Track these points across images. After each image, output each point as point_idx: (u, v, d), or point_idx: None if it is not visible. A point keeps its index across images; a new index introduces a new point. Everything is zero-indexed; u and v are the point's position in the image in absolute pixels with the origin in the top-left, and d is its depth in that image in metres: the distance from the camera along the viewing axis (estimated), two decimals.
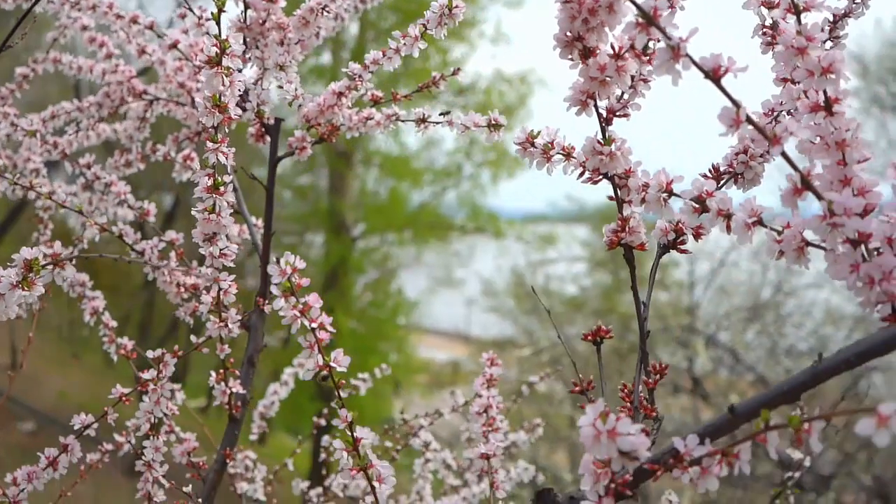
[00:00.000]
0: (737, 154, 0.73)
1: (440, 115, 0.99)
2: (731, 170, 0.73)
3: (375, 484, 0.69)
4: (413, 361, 11.09)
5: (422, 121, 1.01)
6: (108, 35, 1.29)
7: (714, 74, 0.54)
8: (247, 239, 1.19)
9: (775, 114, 0.72)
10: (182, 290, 1.08)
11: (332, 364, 0.67)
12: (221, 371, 1.01)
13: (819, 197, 0.54)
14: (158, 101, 1.26)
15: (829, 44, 0.76)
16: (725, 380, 7.05)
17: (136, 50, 1.19)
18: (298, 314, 0.66)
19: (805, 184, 0.55)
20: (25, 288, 0.70)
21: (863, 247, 0.56)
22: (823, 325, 7.44)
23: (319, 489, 1.43)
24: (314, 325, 0.66)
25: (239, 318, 0.96)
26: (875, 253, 0.56)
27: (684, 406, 7.24)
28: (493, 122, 0.91)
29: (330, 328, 0.67)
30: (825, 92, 0.57)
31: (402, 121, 1.03)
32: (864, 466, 6.25)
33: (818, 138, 0.58)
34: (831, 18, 0.76)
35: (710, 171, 0.73)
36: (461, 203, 11.60)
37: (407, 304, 11.64)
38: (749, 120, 0.54)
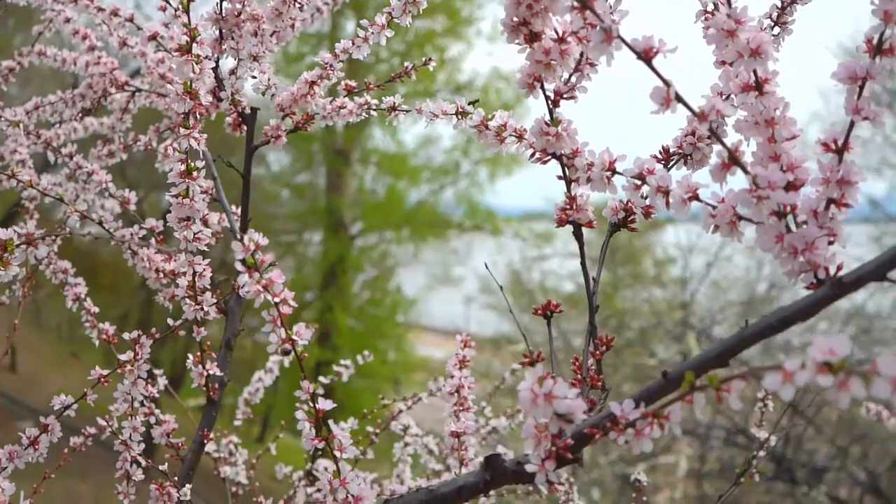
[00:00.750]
0: (685, 136, 0.76)
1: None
2: (679, 151, 0.75)
3: (336, 453, 0.72)
4: (411, 359, 11.11)
5: (392, 109, 1.04)
6: (93, 28, 1.32)
7: (646, 55, 0.56)
8: (226, 226, 1.22)
9: (723, 97, 0.75)
10: (161, 275, 1.11)
11: (295, 337, 0.70)
12: (198, 354, 1.04)
13: (745, 171, 0.57)
14: (141, 93, 1.29)
15: (776, 29, 0.79)
16: (720, 374, 7.09)
17: (118, 42, 1.22)
18: (262, 289, 0.69)
19: (732, 159, 0.58)
20: (0, 267, 0.73)
21: (791, 219, 0.59)
22: (818, 321, 7.48)
23: (301, 472, 1.46)
24: (277, 299, 0.69)
25: (214, 301, 0.98)
26: (803, 225, 0.59)
27: None
28: (460, 109, 0.93)
29: (292, 303, 0.70)
30: (755, 72, 0.60)
31: (374, 109, 1.06)
32: (857, 461, 6.28)
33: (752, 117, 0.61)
34: (779, 4, 0.79)
35: (659, 152, 0.76)
36: (459, 201, 11.64)
37: (405, 302, 11.67)
38: (678, 98, 0.56)
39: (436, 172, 11.83)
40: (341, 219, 11.33)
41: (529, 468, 0.60)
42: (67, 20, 1.29)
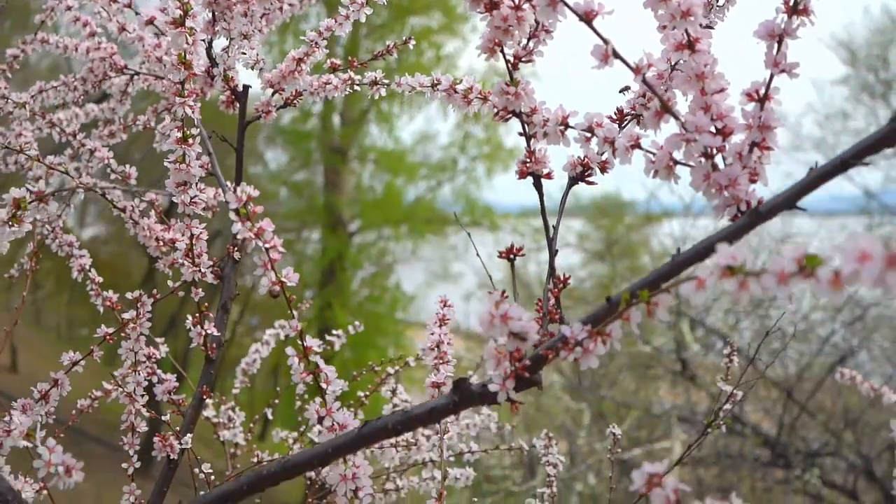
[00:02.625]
0: (637, 97, 0.83)
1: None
2: (632, 111, 0.83)
3: (323, 385, 0.79)
4: (411, 356, 11.15)
5: (374, 83, 1.11)
6: (91, 16, 1.40)
7: (587, 17, 0.64)
8: (222, 200, 1.29)
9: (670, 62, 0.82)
10: (161, 244, 1.18)
11: (284, 279, 0.78)
12: (197, 315, 1.11)
13: (675, 117, 0.65)
14: (139, 76, 1.36)
15: (721, 0, 0.86)
16: (714, 364, 7.17)
17: (117, 28, 1.29)
18: (253, 236, 0.76)
19: (664, 107, 0.65)
20: (14, 223, 0.80)
21: (721, 160, 0.67)
22: (812, 309, 7.56)
23: (296, 433, 1.53)
24: (267, 245, 0.76)
25: (210, 262, 1.06)
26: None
27: (677, 393, 7.37)
28: (434, 82, 1.00)
29: (281, 249, 0.77)
30: (687, 32, 0.67)
31: (358, 84, 1.13)
32: (850, 446, 6.37)
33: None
34: None
35: (614, 112, 0.83)
36: (457, 197, 11.72)
37: (404, 299, 11.74)
38: (616, 55, 0.64)
39: (433, 169, 11.92)
40: (340, 216, 11.40)
41: (492, 387, 0.68)
42: (69, 8, 1.36)
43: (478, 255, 1.21)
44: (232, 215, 0.76)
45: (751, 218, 0.61)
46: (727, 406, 1.24)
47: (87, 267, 1.27)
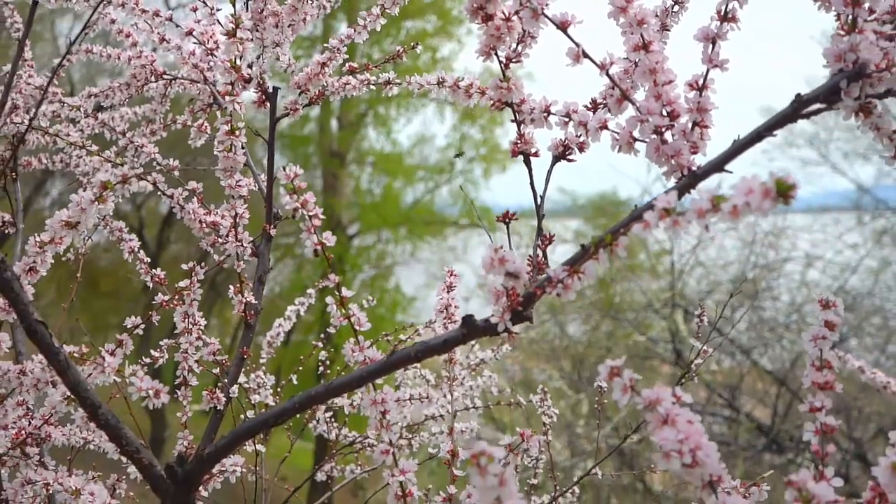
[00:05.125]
0: (607, 89, 1.01)
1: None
2: (603, 101, 1.01)
3: (356, 327, 0.97)
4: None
5: (387, 83, 1.29)
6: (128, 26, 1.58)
7: (562, 26, 0.82)
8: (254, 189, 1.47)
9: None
10: (203, 226, 1.36)
11: (324, 241, 0.95)
12: (238, 285, 1.29)
13: (633, 103, 0.83)
14: (176, 80, 1.54)
15: (675, 7, 1.04)
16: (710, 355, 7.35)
17: (157, 38, 1.47)
18: (300, 206, 0.94)
19: (623, 95, 0.83)
20: (101, 202, 0.98)
21: (670, 136, 0.85)
22: (805, 301, 7.75)
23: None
24: (311, 213, 0.94)
25: (251, 239, 1.24)
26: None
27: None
28: (440, 80, 1.19)
29: (321, 216, 0.95)
30: (642, 36, 0.85)
31: (373, 84, 1.31)
32: (842, 431, 6.55)
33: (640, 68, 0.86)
34: None
35: (590, 102, 1.01)
36: (454, 198, 11.90)
37: (404, 301, 11.91)
38: (585, 55, 0.82)
39: (431, 171, 12.11)
40: (339, 219, 11.57)
41: (493, 320, 0.86)
42: (113, 21, 1.54)
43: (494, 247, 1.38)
44: (282, 190, 0.94)
45: (689, 179, 0.79)
46: (698, 361, 1.41)
47: (137, 249, 1.45)
